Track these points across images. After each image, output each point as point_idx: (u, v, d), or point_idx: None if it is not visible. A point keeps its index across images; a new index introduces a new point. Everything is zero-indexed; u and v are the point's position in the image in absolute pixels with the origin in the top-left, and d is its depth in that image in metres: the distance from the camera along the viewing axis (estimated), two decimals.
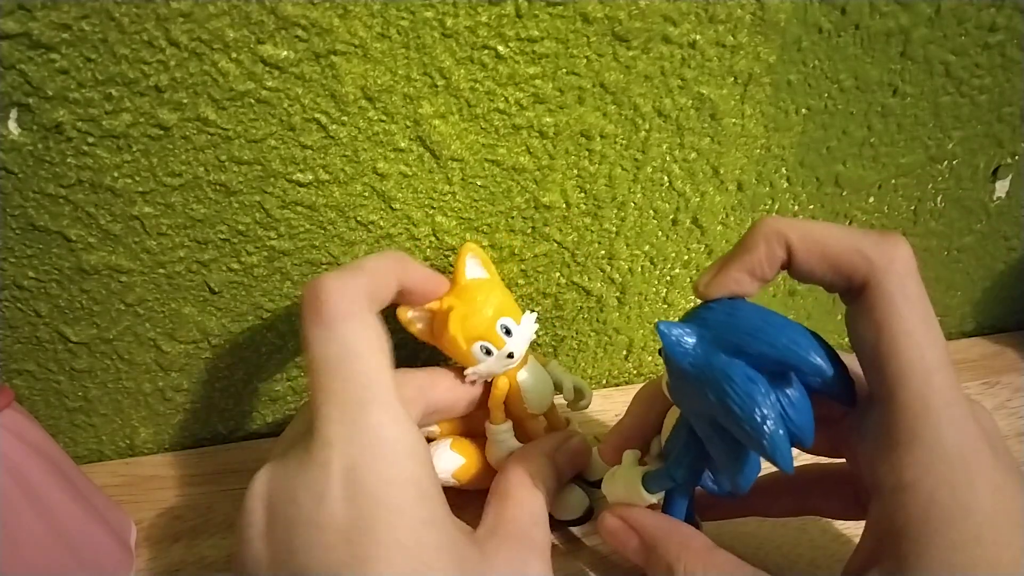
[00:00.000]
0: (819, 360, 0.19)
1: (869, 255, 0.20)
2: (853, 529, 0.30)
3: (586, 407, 0.30)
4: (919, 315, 0.20)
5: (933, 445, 0.19)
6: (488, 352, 0.26)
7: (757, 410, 0.19)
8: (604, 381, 0.39)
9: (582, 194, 0.31)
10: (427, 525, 0.20)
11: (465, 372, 0.27)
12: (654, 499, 0.25)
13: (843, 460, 0.24)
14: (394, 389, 0.21)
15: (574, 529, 0.30)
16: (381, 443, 0.20)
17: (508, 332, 0.26)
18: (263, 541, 0.20)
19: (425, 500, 0.20)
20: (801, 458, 0.25)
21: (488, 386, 0.28)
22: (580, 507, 0.29)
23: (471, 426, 0.29)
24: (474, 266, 0.28)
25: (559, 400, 0.30)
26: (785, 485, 0.27)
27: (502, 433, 0.28)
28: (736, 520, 0.30)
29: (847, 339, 0.22)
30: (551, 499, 0.26)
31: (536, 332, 0.28)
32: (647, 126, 0.30)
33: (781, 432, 0.19)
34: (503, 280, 0.33)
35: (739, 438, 0.20)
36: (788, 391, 0.20)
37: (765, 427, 0.18)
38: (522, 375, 0.28)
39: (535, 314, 0.28)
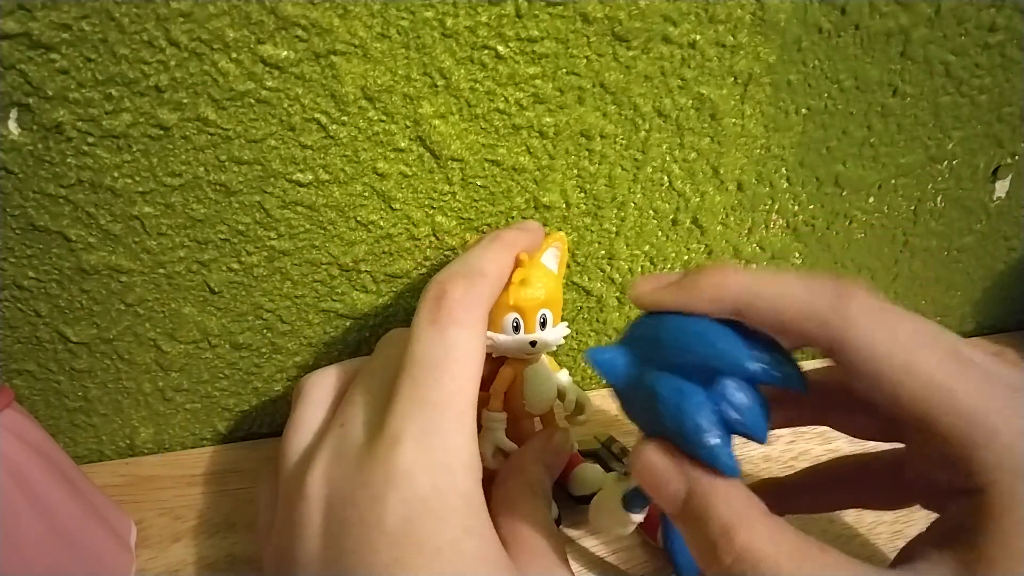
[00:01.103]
0: (749, 363, 0.19)
1: (823, 317, 0.18)
2: (853, 530, 0.30)
3: (583, 423, 0.30)
4: (903, 343, 0.18)
5: (983, 452, 0.17)
6: (516, 329, 0.26)
7: (688, 421, 0.18)
8: (604, 381, 0.39)
9: (582, 194, 0.31)
10: (469, 535, 0.20)
11: (488, 333, 0.26)
12: (640, 518, 0.25)
13: (884, 449, 0.24)
14: (474, 401, 0.22)
15: (569, 530, 0.30)
16: (446, 450, 0.20)
17: (543, 325, 0.27)
18: (318, 541, 0.20)
19: (471, 511, 0.20)
20: (843, 449, 0.25)
21: (495, 374, 0.28)
22: (597, 483, 0.29)
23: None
24: (551, 256, 0.28)
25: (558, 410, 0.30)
26: (826, 481, 0.26)
27: (494, 421, 0.28)
28: None
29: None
30: (549, 503, 0.26)
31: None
32: (647, 126, 0.30)
33: (717, 441, 0.18)
34: None
35: (685, 451, 0.19)
36: (729, 394, 0.19)
37: (701, 438, 0.18)
38: (530, 371, 0.28)
39: (569, 330, 0.28)
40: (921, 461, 0.20)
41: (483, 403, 0.28)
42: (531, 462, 0.27)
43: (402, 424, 0.20)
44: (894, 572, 0.18)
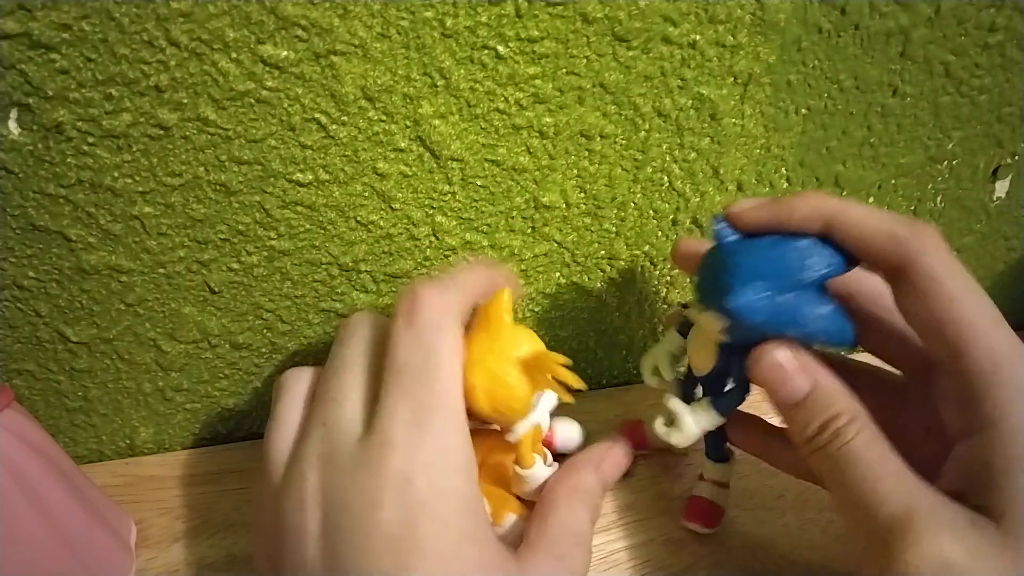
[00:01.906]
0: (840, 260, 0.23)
1: (902, 240, 0.22)
2: None
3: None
4: (962, 283, 0.21)
5: (1009, 387, 0.20)
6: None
7: (832, 329, 0.22)
8: (604, 381, 0.39)
9: (582, 194, 0.31)
10: (470, 539, 0.20)
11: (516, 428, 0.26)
12: (694, 434, 0.26)
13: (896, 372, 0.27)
14: (462, 402, 0.22)
15: None
16: (441, 451, 0.20)
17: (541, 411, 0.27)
18: (316, 548, 0.20)
19: (470, 515, 0.20)
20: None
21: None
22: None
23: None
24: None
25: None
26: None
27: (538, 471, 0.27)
28: (736, 521, 0.30)
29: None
30: (597, 514, 0.25)
31: (537, 332, 0.28)
32: (647, 126, 0.30)
33: (850, 328, 0.23)
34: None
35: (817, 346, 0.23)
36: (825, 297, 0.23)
37: (846, 334, 0.23)
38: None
39: (553, 397, 0.27)
40: (938, 396, 0.23)
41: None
42: (585, 466, 0.26)
43: (393, 426, 0.20)
44: (935, 493, 0.20)
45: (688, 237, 0.28)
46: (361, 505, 0.19)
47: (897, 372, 0.27)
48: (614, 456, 0.28)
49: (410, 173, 0.29)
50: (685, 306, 0.29)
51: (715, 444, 0.29)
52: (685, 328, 0.28)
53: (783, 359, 0.23)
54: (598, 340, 0.37)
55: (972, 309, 0.21)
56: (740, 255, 0.23)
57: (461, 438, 0.21)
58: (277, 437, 0.23)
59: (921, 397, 0.24)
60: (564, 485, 0.25)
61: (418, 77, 0.26)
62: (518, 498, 0.27)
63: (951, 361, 0.21)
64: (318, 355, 0.33)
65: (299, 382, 0.24)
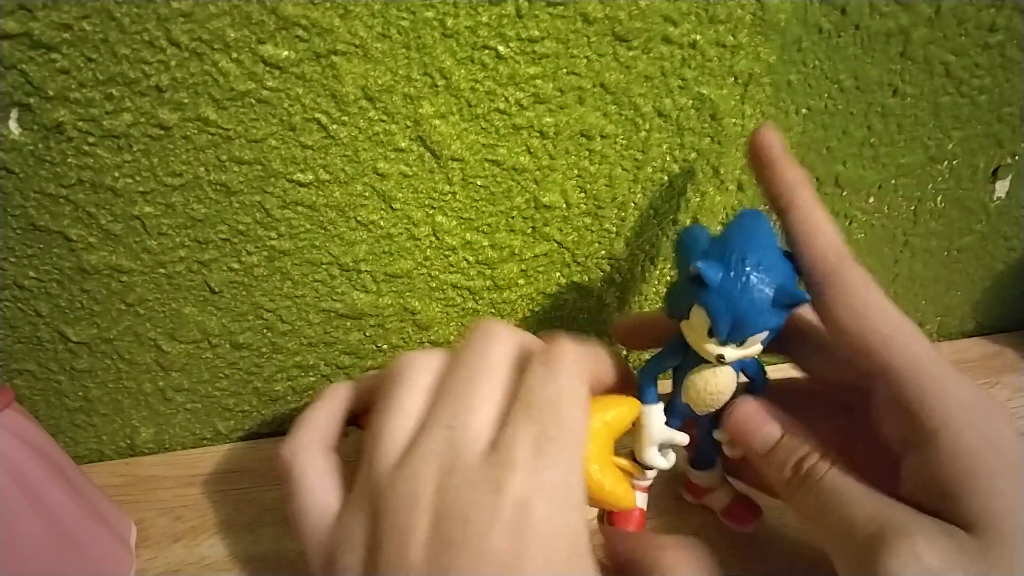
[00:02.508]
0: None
1: (825, 257, 0.24)
2: None
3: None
4: (881, 297, 0.23)
5: (943, 396, 0.21)
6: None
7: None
8: None
9: (582, 194, 0.31)
10: (575, 573, 0.20)
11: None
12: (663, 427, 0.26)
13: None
14: (584, 442, 0.22)
15: None
16: (561, 484, 0.20)
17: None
18: (422, 553, 0.19)
19: (581, 553, 0.20)
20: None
21: None
22: None
23: None
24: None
25: None
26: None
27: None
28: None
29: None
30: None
31: (537, 332, 0.28)
32: (647, 126, 0.30)
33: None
34: (506, 282, 0.33)
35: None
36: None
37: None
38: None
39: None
40: (877, 409, 0.24)
41: None
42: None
43: (517, 449, 0.20)
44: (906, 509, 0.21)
45: (623, 317, 0.29)
46: (476, 522, 0.19)
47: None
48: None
49: (410, 173, 0.29)
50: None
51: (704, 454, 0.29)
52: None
53: (753, 409, 0.25)
54: (598, 340, 0.37)
55: (893, 321, 0.23)
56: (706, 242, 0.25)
57: (579, 476, 0.21)
58: (395, 424, 0.22)
59: (867, 416, 0.25)
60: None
61: (418, 77, 0.27)
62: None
63: (880, 373, 0.22)
64: (318, 355, 0.33)
65: (422, 372, 0.24)
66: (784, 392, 0.27)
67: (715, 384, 0.25)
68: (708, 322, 0.23)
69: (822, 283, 0.23)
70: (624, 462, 0.27)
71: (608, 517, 0.28)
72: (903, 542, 0.20)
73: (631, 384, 0.26)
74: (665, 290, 0.25)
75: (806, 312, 0.26)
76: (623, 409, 0.25)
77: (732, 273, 0.22)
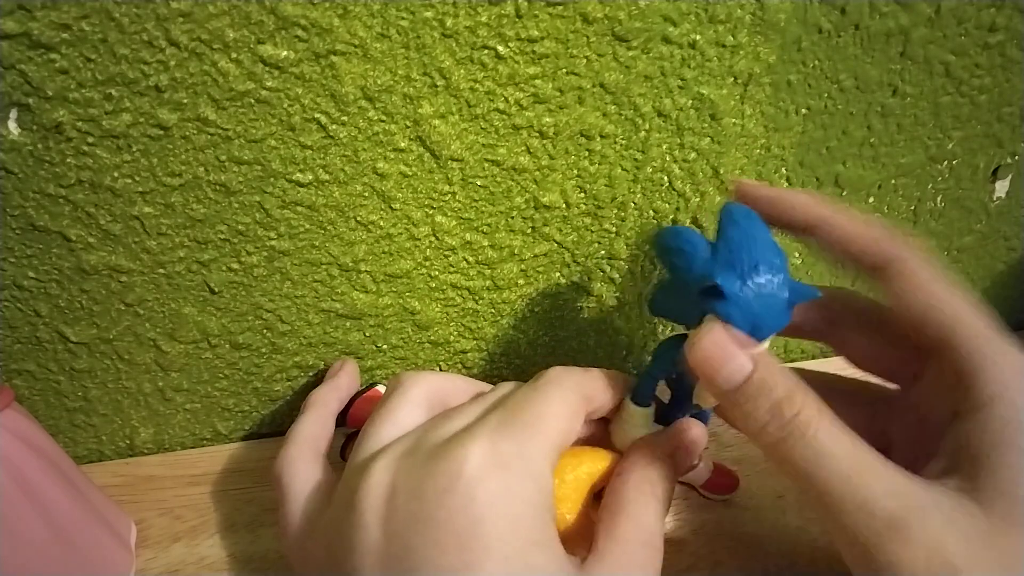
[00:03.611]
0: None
1: (887, 239, 0.24)
2: None
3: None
4: (944, 274, 0.23)
5: (1005, 366, 0.21)
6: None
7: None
8: None
9: (582, 194, 0.31)
10: (537, 546, 0.20)
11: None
12: (646, 429, 0.25)
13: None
14: (557, 445, 0.22)
15: None
16: (520, 458, 0.20)
17: None
18: (380, 530, 0.20)
19: (539, 523, 0.20)
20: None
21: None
22: None
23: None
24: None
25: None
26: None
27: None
28: (736, 521, 0.30)
29: None
30: (667, 508, 0.24)
31: (537, 332, 0.28)
32: (647, 126, 0.30)
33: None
34: (506, 282, 0.33)
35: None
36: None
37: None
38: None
39: None
40: (926, 387, 0.24)
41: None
42: (655, 457, 0.24)
43: (479, 429, 0.21)
44: (921, 481, 0.20)
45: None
46: (432, 493, 0.19)
47: (880, 384, 0.27)
48: (689, 441, 0.24)
49: (410, 173, 0.29)
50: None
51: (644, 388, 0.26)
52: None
53: (719, 337, 0.21)
54: (598, 340, 0.37)
55: (959, 294, 0.23)
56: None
57: (544, 459, 0.21)
58: (381, 429, 0.23)
59: (906, 403, 0.25)
60: (633, 480, 0.23)
61: (418, 77, 0.26)
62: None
63: (943, 344, 0.22)
64: (318, 355, 0.33)
65: (422, 388, 0.25)
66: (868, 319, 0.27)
67: None
68: None
69: (886, 266, 0.24)
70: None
71: (708, 488, 0.30)
72: (921, 529, 0.18)
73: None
74: (651, 294, 0.25)
75: (848, 298, 0.27)
76: (599, 461, 0.25)
77: (749, 282, 0.21)
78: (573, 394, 0.23)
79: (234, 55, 0.24)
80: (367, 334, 0.33)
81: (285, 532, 0.24)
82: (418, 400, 0.24)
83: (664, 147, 0.31)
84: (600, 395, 0.25)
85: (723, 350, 0.21)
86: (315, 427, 0.27)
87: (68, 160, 0.25)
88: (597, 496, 0.24)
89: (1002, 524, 0.19)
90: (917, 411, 0.24)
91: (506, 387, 0.25)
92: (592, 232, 0.33)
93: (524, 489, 0.20)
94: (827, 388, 0.25)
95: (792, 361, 0.28)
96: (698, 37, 0.29)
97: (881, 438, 0.23)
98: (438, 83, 0.27)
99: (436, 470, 0.20)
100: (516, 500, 0.20)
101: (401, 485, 0.20)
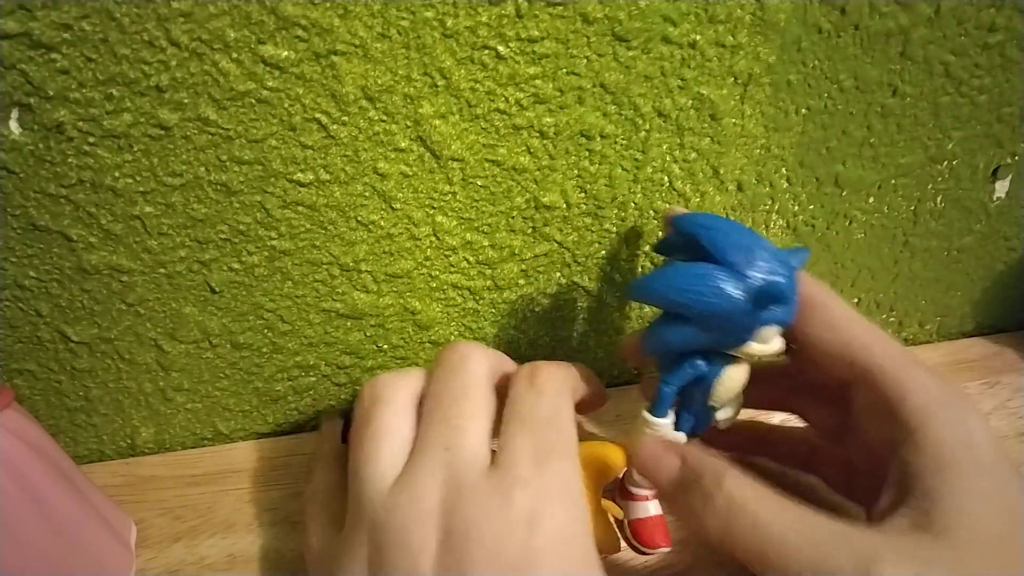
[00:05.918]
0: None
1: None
2: None
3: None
4: (847, 308, 0.25)
5: (922, 393, 0.22)
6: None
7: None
8: (604, 381, 0.39)
9: (582, 194, 0.31)
10: (583, 561, 0.20)
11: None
12: (667, 431, 0.26)
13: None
14: (578, 452, 0.23)
15: None
16: (566, 496, 0.21)
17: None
18: (432, 561, 0.20)
19: (590, 563, 0.20)
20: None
21: None
22: None
23: None
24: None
25: None
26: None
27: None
28: None
29: None
30: None
31: (537, 332, 0.28)
32: (647, 126, 0.30)
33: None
34: (506, 282, 0.33)
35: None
36: None
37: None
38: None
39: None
40: (860, 418, 0.25)
41: None
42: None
43: (519, 462, 0.21)
44: (861, 528, 0.21)
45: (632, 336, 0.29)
46: (489, 535, 0.19)
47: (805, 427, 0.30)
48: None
49: (411, 173, 0.29)
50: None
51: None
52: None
53: (650, 443, 0.25)
54: (598, 340, 0.37)
55: (871, 326, 0.24)
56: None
57: (579, 483, 0.22)
58: (383, 447, 0.22)
59: (853, 436, 0.26)
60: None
61: (418, 77, 0.27)
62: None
63: (865, 375, 0.24)
64: (319, 355, 0.33)
65: (401, 393, 0.24)
66: (780, 377, 0.29)
67: (740, 379, 0.25)
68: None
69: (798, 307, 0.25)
70: (611, 504, 0.28)
71: (632, 531, 0.30)
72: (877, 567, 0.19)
73: (604, 401, 0.27)
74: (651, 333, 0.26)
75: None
76: (610, 456, 0.26)
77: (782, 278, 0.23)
78: (571, 399, 0.24)
79: (235, 55, 0.24)
80: (368, 334, 0.33)
81: (307, 563, 0.25)
82: (404, 406, 0.24)
83: (664, 147, 0.31)
84: (585, 396, 0.26)
85: (655, 454, 0.24)
86: (328, 481, 0.28)
87: (69, 160, 0.25)
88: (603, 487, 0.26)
89: (965, 556, 0.20)
90: (866, 440, 0.25)
91: (481, 364, 0.25)
92: (592, 232, 0.33)
93: (576, 530, 0.20)
94: (784, 440, 0.29)
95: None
96: (698, 37, 0.29)
97: (848, 467, 0.26)
98: (439, 83, 0.27)
99: (492, 514, 0.20)
100: (570, 544, 0.20)
101: (456, 527, 0.20)
